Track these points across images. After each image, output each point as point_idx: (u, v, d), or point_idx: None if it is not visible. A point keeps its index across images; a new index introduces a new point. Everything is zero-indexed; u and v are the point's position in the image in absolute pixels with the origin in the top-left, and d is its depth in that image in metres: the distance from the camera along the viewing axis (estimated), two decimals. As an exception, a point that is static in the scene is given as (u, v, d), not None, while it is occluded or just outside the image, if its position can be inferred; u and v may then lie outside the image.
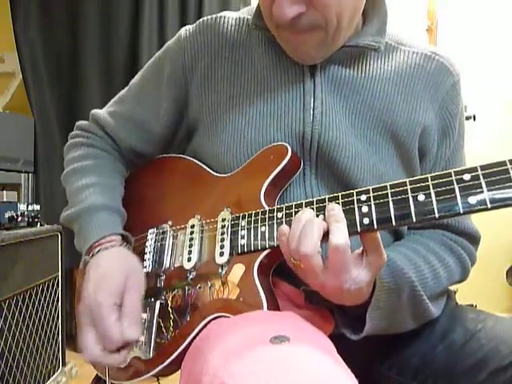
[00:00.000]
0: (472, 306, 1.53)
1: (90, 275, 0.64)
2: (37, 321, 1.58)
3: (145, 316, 0.68)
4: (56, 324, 1.71)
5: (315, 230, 0.51)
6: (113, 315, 0.59)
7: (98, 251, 0.66)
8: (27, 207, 1.64)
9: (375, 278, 0.56)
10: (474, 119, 2.08)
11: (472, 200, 0.46)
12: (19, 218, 1.59)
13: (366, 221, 0.51)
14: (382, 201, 0.51)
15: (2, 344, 1.38)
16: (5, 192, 1.85)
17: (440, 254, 0.69)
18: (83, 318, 0.61)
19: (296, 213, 0.57)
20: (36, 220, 1.66)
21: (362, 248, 0.54)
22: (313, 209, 0.56)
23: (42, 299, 1.62)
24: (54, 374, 1.69)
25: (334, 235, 0.50)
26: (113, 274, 0.63)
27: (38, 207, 1.69)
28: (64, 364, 1.76)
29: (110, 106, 0.85)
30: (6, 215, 1.54)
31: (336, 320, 0.63)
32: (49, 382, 1.65)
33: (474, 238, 0.75)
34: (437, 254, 0.69)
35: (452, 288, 0.78)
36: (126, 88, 0.85)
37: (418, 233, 0.74)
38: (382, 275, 0.59)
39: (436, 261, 0.67)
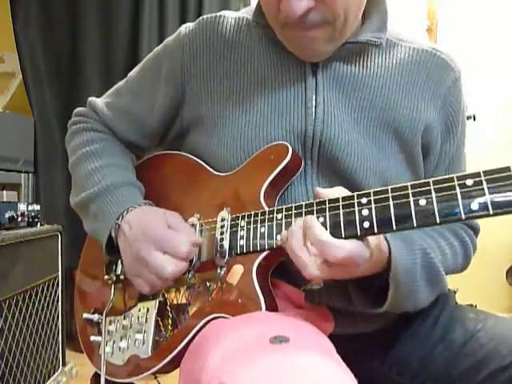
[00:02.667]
0: (472, 305, 1.52)
1: (132, 223, 0.66)
2: (37, 321, 1.57)
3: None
4: (56, 324, 1.71)
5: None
6: (172, 231, 0.65)
7: (128, 210, 0.69)
8: (27, 207, 1.64)
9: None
10: (474, 119, 2.07)
11: (474, 206, 0.46)
12: (19, 218, 1.59)
13: (366, 224, 0.51)
14: (382, 204, 0.51)
15: (2, 344, 1.38)
16: (5, 192, 1.84)
17: (444, 234, 0.70)
18: (142, 253, 0.63)
19: (296, 214, 0.57)
20: (36, 220, 1.66)
21: None
22: (312, 211, 0.56)
23: (42, 299, 1.62)
24: (54, 373, 1.69)
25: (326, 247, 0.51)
26: (153, 211, 0.69)
27: (38, 207, 1.69)
28: (64, 364, 1.76)
29: (108, 97, 0.85)
30: (6, 215, 1.53)
31: (354, 301, 0.62)
32: (49, 382, 1.64)
33: (475, 229, 0.76)
34: (441, 233, 0.69)
35: (452, 288, 0.78)
36: (124, 80, 0.85)
37: None
38: (394, 242, 0.58)
39: (441, 239, 0.68)
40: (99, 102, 0.84)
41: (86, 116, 0.84)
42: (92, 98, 0.85)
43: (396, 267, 0.57)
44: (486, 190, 0.45)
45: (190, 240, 0.64)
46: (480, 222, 0.77)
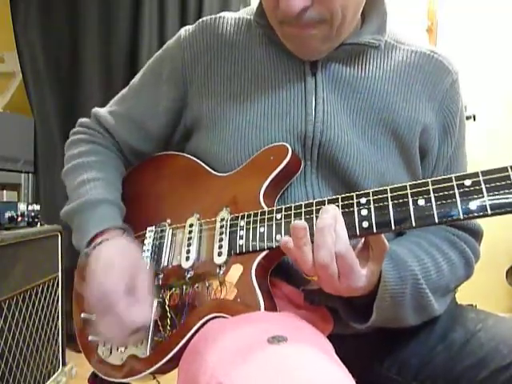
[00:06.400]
0: (472, 306, 1.53)
1: (95, 265, 0.64)
2: (37, 321, 1.58)
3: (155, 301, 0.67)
4: (56, 324, 1.71)
5: (328, 237, 0.50)
6: (122, 302, 0.60)
7: (100, 242, 0.67)
8: (27, 207, 1.64)
9: (381, 266, 0.57)
10: (474, 119, 2.07)
11: (472, 206, 0.46)
12: (19, 218, 1.59)
13: (365, 224, 0.51)
14: (381, 204, 0.51)
15: (1, 344, 1.38)
16: (5, 192, 1.85)
17: (443, 249, 0.69)
18: (95, 307, 0.61)
19: (295, 214, 0.57)
20: (36, 220, 1.66)
21: (362, 241, 0.54)
22: (312, 211, 0.56)
23: (42, 299, 1.62)
24: (54, 373, 1.69)
25: (335, 242, 0.50)
26: (118, 261, 0.64)
27: (38, 207, 1.69)
28: (64, 364, 1.76)
29: (111, 106, 0.86)
30: (6, 215, 1.54)
31: (341, 312, 0.62)
32: (49, 382, 1.64)
33: (476, 233, 0.75)
34: (439, 248, 0.69)
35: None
36: (127, 87, 0.85)
37: (421, 228, 0.74)
38: (387, 269, 0.59)
39: (439, 255, 0.67)
40: (102, 111, 0.84)
41: (88, 127, 0.85)
42: (96, 109, 0.86)
43: (383, 294, 0.58)
44: (485, 191, 0.45)
45: (136, 321, 0.61)
46: (480, 221, 0.77)
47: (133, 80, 0.85)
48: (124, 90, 0.85)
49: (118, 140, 0.82)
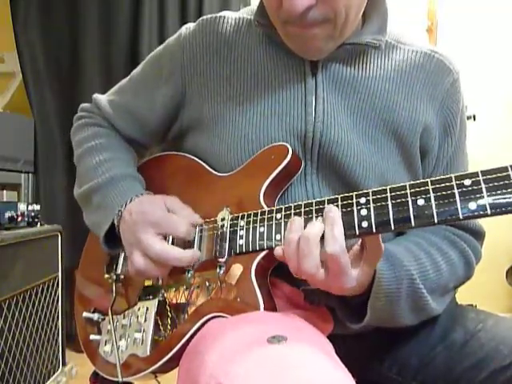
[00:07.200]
0: (472, 306, 1.53)
1: (132, 210, 0.67)
2: (37, 321, 1.58)
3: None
4: (56, 324, 1.71)
5: (313, 246, 0.50)
6: (170, 213, 0.66)
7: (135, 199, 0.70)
8: (27, 207, 1.64)
9: (375, 267, 0.57)
10: (474, 119, 2.07)
11: (472, 205, 0.45)
12: (19, 218, 1.59)
13: (364, 224, 0.51)
14: (381, 204, 0.51)
15: (1, 344, 1.38)
16: (5, 192, 1.85)
17: (442, 248, 0.68)
18: (138, 234, 0.64)
19: (295, 214, 0.57)
20: (36, 220, 1.66)
21: (359, 242, 0.54)
22: (311, 211, 0.56)
23: (42, 299, 1.62)
24: (54, 373, 1.69)
25: (329, 243, 0.50)
26: (153, 198, 0.70)
27: (38, 207, 1.69)
28: (64, 364, 1.76)
29: (111, 95, 0.87)
30: (6, 215, 1.54)
31: (337, 312, 0.62)
32: (49, 382, 1.65)
33: (478, 234, 0.75)
34: (439, 247, 0.68)
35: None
36: (127, 78, 0.86)
37: (421, 228, 0.73)
38: (382, 268, 0.59)
39: (438, 254, 0.67)
40: (103, 99, 0.86)
41: (90, 112, 0.87)
42: (96, 95, 0.87)
43: (378, 293, 0.58)
44: (484, 190, 0.45)
45: (189, 220, 0.65)
46: (480, 221, 0.77)
47: (133, 71, 0.86)
48: (124, 81, 0.86)
49: (118, 129, 0.83)
